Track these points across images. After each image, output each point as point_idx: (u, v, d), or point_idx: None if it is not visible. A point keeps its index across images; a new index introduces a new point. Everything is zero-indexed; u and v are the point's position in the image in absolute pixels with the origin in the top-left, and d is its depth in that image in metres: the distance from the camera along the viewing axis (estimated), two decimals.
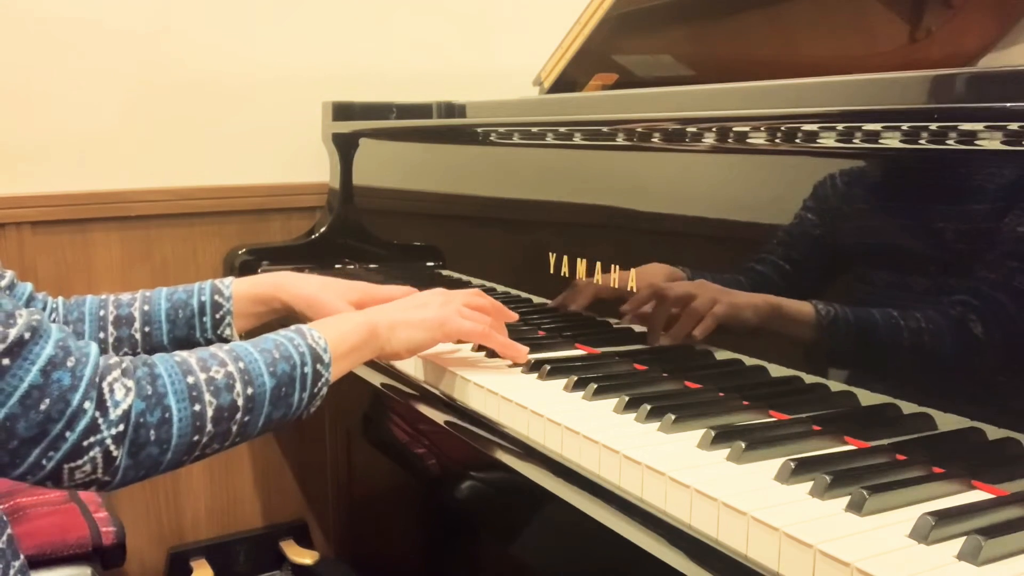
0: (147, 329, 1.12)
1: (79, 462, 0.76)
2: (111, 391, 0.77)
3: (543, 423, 0.90)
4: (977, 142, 0.73)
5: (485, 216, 1.44)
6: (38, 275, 1.75)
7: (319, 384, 0.92)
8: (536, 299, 1.30)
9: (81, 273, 1.80)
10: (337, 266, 1.78)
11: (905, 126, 0.78)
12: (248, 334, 1.21)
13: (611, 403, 0.93)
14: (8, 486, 1.45)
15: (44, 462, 0.75)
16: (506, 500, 0.94)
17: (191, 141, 1.90)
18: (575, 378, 0.99)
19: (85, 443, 0.75)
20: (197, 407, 0.81)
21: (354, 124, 1.84)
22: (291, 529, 2.05)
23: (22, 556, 0.87)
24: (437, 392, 1.10)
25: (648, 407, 0.88)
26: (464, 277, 1.48)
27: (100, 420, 0.76)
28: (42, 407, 0.73)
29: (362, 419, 1.31)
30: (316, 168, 1.94)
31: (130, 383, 0.78)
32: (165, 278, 1.87)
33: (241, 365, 0.86)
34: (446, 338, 1.05)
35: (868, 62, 1.17)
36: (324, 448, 2.09)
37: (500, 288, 1.39)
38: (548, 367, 1.03)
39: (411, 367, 1.16)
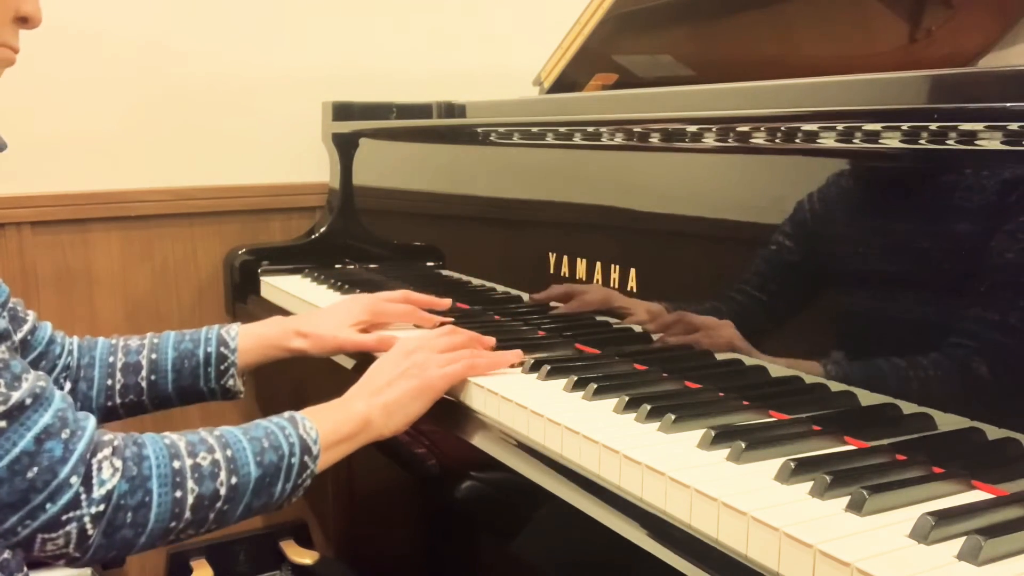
0: (153, 377, 1.14)
1: (54, 535, 0.75)
2: (99, 469, 0.77)
3: (543, 423, 0.90)
4: (977, 142, 0.73)
5: (485, 216, 1.44)
6: (38, 275, 1.75)
7: (304, 475, 0.91)
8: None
9: (81, 273, 1.80)
10: (337, 266, 1.78)
11: (905, 126, 0.78)
12: (252, 372, 1.22)
13: (611, 403, 0.93)
14: None
15: (20, 529, 0.74)
16: (506, 500, 0.94)
17: (191, 141, 1.90)
18: (575, 378, 0.99)
19: (64, 517, 0.75)
20: (178, 493, 0.81)
21: (354, 124, 1.84)
22: (291, 529, 2.05)
23: (25, 569, 0.87)
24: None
25: (648, 407, 0.88)
26: (464, 277, 1.48)
27: (83, 497, 0.76)
28: (29, 475, 0.73)
29: None
30: (316, 168, 1.94)
31: (119, 463, 0.78)
32: (165, 278, 1.87)
33: (229, 453, 0.85)
34: (436, 396, 1.02)
35: (868, 62, 1.17)
36: None
37: (500, 288, 1.39)
38: (548, 367, 1.03)
39: None
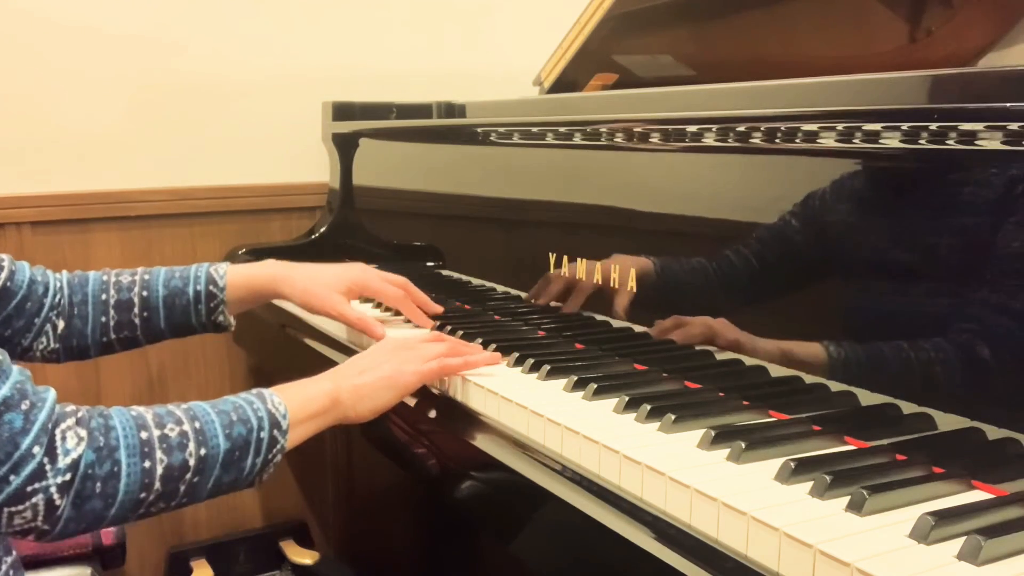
0: (146, 314, 1.17)
1: (20, 507, 0.74)
2: (63, 439, 0.76)
3: (543, 423, 0.90)
4: (977, 142, 0.73)
5: (485, 216, 1.44)
6: None
7: (274, 450, 0.90)
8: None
9: None
10: None
11: (905, 126, 0.78)
12: (239, 318, 1.24)
13: (611, 403, 0.93)
14: None
15: None
16: (506, 500, 0.94)
17: (191, 141, 1.90)
18: (575, 378, 0.99)
19: (29, 488, 0.74)
20: (147, 464, 0.80)
21: (354, 124, 1.84)
22: (291, 529, 2.05)
23: (15, 552, 0.87)
24: (437, 392, 1.10)
25: (648, 407, 0.88)
26: (464, 277, 1.48)
27: (48, 467, 0.75)
28: None
29: None
30: (316, 168, 1.94)
31: (83, 432, 0.77)
32: None
33: (197, 425, 0.85)
34: (408, 391, 1.03)
35: (868, 62, 1.17)
36: (324, 448, 2.09)
37: (500, 288, 1.39)
38: (548, 367, 1.03)
39: None
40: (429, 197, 1.62)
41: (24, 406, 0.75)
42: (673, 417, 0.85)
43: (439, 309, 1.32)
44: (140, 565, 1.91)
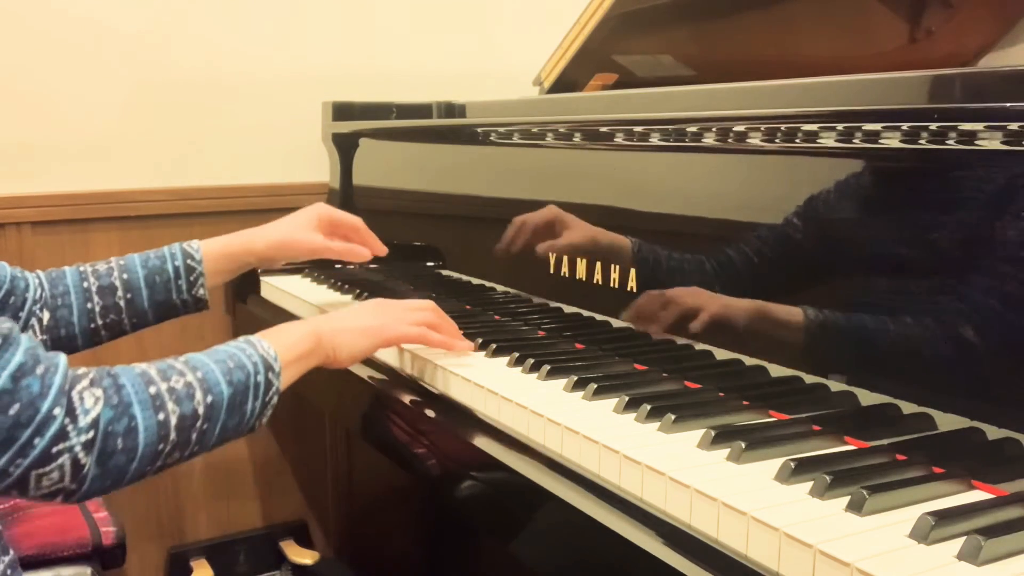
0: (129, 296, 1.18)
1: (47, 469, 0.76)
2: (81, 399, 0.78)
3: (543, 423, 0.90)
4: (977, 142, 0.73)
5: (485, 216, 1.44)
6: None
7: (271, 393, 0.94)
8: (536, 299, 1.30)
9: None
10: (337, 266, 1.78)
11: (905, 126, 0.78)
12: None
13: (611, 403, 0.93)
14: None
15: (11, 468, 0.75)
16: (506, 500, 0.94)
17: (191, 141, 1.90)
18: (575, 378, 0.99)
19: (54, 450, 0.76)
20: (161, 416, 0.83)
21: (354, 124, 1.84)
22: (291, 529, 2.05)
23: (12, 552, 0.87)
24: (437, 392, 1.10)
25: (648, 407, 0.88)
26: (464, 277, 1.48)
27: (70, 427, 0.76)
28: (11, 412, 0.74)
29: (362, 419, 1.31)
30: (316, 168, 1.94)
31: (99, 392, 0.79)
32: None
33: (199, 375, 0.88)
34: (386, 343, 1.11)
35: (868, 62, 1.17)
36: (324, 448, 2.09)
37: (500, 288, 1.39)
38: (548, 367, 1.03)
39: (410, 367, 1.16)
40: (429, 197, 1.62)
41: (39, 370, 0.76)
42: (673, 417, 0.85)
43: (384, 251, 1.39)
44: (140, 565, 1.91)
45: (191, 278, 1.20)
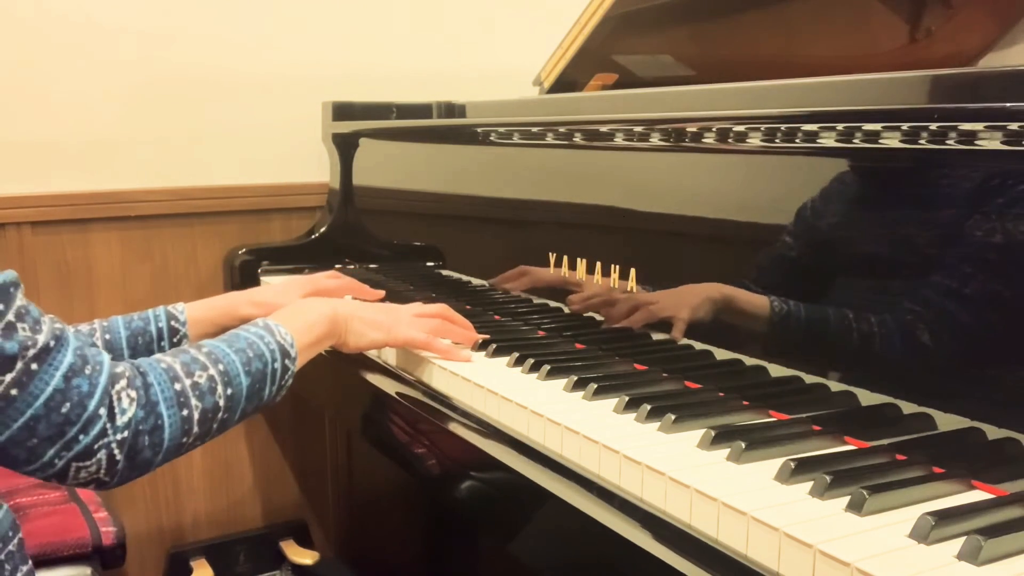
0: (111, 357, 1.17)
1: (87, 463, 0.82)
2: (119, 400, 0.83)
3: (543, 423, 0.90)
4: (977, 142, 0.73)
5: (485, 216, 1.44)
6: (38, 275, 1.75)
7: (286, 377, 0.99)
8: (536, 299, 1.30)
9: (81, 273, 1.80)
10: (337, 266, 1.78)
11: (905, 126, 0.78)
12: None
13: (611, 403, 0.93)
14: (8, 486, 1.45)
15: (56, 460, 0.81)
16: (506, 500, 0.94)
17: (191, 141, 1.90)
18: (575, 378, 0.99)
19: (96, 446, 0.82)
20: (185, 412, 0.88)
21: (354, 124, 1.84)
22: (291, 529, 2.05)
23: (30, 562, 0.89)
24: (437, 392, 1.10)
25: (648, 407, 0.88)
26: (464, 277, 1.48)
27: (109, 427, 0.82)
28: (63, 410, 0.80)
29: (362, 419, 1.31)
30: (316, 168, 1.94)
31: (134, 393, 0.85)
32: (165, 278, 1.87)
33: (221, 367, 0.92)
34: (394, 342, 1.15)
35: (868, 62, 1.17)
36: (324, 448, 2.09)
37: (500, 288, 1.38)
38: (548, 367, 1.03)
39: (411, 366, 1.16)
40: (429, 197, 1.62)
41: (87, 370, 0.82)
42: (673, 417, 0.85)
43: (380, 294, 1.41)
44: (140, 565, 1.91)
45: (174, 340, 1.20)
